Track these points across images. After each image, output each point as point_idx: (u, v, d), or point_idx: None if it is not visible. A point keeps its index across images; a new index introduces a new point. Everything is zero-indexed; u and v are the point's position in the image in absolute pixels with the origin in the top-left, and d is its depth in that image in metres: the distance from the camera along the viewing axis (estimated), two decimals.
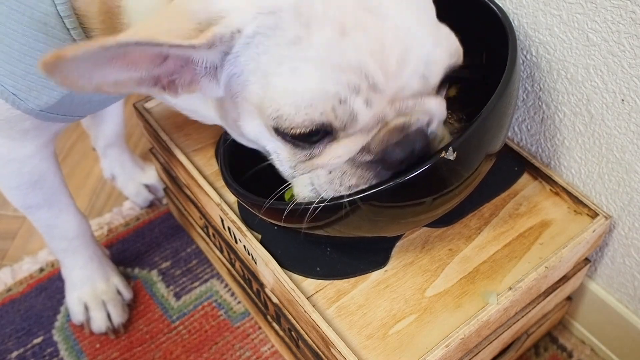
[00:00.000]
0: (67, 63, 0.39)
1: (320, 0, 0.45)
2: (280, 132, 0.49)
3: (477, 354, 0.65)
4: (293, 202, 0.55)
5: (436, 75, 0.49)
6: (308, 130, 0.48)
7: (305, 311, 0.61)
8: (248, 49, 0.47)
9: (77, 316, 0.87)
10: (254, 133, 0.53)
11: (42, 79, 0.53)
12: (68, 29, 0.50)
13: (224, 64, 0.48)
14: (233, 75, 0.49)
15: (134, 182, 1.04)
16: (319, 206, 0.53)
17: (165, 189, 0.98)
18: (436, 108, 0.51)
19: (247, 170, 0.66)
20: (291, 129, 0.48)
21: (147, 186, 1.04)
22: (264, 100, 0.48)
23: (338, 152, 0.50)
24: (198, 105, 0.58)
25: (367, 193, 0.50)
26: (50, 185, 0.72)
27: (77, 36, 0.51)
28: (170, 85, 0.48)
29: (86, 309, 0.86)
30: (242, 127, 0.53)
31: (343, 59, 0.45)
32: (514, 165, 0.74)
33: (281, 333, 0.77)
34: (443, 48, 0.49)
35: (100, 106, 0.64)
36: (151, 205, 1.05)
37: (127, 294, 0.89)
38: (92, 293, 0.86)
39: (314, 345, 0.65)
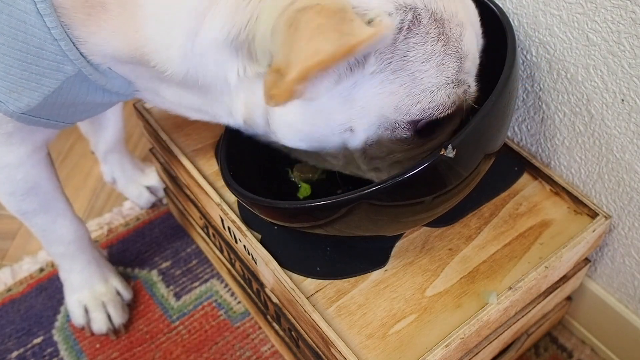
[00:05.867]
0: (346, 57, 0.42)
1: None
2: (415, 122, 0.53)
3: (477, 354, 0.65)
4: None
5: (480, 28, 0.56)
6: (450, 111, 0.53)
7: (305, 311, 0.61)
8: (392, 46, 0.48)
9: (78, 319, 0.87)
10: (365, 133, 0.54)
11: (22, 79, 0.51)
12: (49, 28, 0.49)
13: (369, 59, 0.49)
14: (375, 70, 0.50)
15: (135, 185, 1.04)
16: (319, 205, 0.53)
17: (165, 189, 0.98)
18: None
19: (247, 170, 0.66)
20: (440, 113, 0.52)
21: (149, 188, 1.04)
22: (410, 95, 0.51)
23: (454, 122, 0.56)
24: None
25: (367, 191, 0.50)
26: (45, 192, 0.72)
27: (58, 35, 0.49)
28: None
29: (86, 311, 0.86)
30: (354, 128, 0.54)
31: (465, 49, 0.52)
32: (514, 165, 0.74)
33: (281, 333, 0.77)
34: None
35: (86, 114, 0.62)
36: (153, 206, 1.05)
37: (127, 295, 0.89)
38: (91, 295, 0.86)
39: (314, 345, 0.65)
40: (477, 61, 0.55)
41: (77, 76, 0.53)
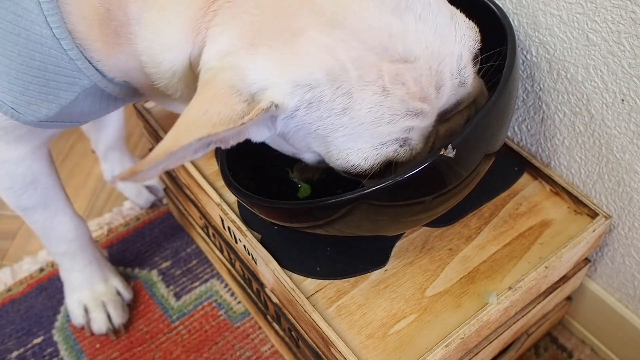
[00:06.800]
0: (144, 173, 0.43)
1: (351, 65, 0.46)
2: (347, 172, 0.53)
3: (477, 354, 0.65)
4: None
5: (470, 73, 0.51)
6: (376, 170, 0.51)
7: (305, 311, 0.61)
8: (294, 119, 0.48)
9: (78, 319, 0.87)
10: (311, 160, 0.56)
11: (40, 94, 0.53)
12: (65, 50, 0.50)
13: (275, 123, 0.49)
14: (288, 131, 0.50)
15: (135, 184, 1.04)
16: (319, 205, 0.53)
17: (165, 189, 0.98)
18: (474, 90, 0.53)
19: (247, 170, 0.66)
20: (360, 172, 0.51)
21: (148, 187, 1.05)
22: (329, 153, 0.51)
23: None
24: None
25: (367, 191, 0.50)
26: (44, 187, 0.72)
27: (74, 56, 0.51)
28: (221, 142, 0.48)
29: (86, 311, 0.86)
30: (299, 156, 0.56)
31: (393, 112, 0.48)
32: (514, 165, 0.74)
33: (281, 333, 0.77)
34: (466, 43, 0.50)
35: (101, 114, 0.64)
36: (152, 206, 1.05)
37: (127, 295, 0.89)
38: (91, 295, 0.86)
39: (314, 345, 0.65)
40: (435, 89, 0.49)
41: (92, 88, 0.55)
